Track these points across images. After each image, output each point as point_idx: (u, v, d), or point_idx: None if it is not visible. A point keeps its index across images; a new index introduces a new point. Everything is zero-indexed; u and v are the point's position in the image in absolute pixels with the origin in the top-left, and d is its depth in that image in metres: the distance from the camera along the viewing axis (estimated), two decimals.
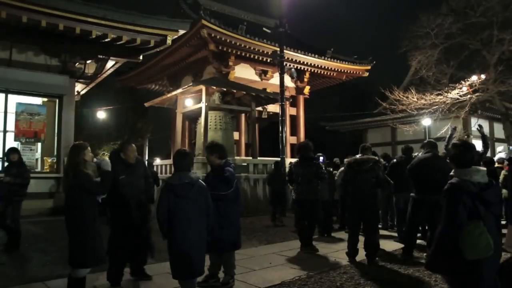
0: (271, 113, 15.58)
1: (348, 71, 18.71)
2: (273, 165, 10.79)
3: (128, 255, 4.33)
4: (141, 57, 10.25)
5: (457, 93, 14.70)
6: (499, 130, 17.94)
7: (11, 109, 9.30)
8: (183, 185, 3.26)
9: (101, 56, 9.73)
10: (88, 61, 9.95)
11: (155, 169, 13.81)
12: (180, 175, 3.32)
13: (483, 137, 6.61)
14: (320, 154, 7.40)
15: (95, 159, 3.87)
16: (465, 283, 2.56)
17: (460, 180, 2.55)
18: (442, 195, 2.62)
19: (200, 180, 3.43)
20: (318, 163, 6.29)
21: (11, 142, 9.34)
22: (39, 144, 9.80)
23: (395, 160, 7.17)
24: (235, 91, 12.76)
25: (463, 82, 14.76)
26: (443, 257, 2.57)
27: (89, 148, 3.65)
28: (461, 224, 2.45)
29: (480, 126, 6.92)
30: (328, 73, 18.28)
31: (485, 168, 2.67)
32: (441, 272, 2.99)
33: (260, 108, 14.69)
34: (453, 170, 2.68)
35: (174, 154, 3.56)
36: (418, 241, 5.84)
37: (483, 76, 14.72)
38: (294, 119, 18.42)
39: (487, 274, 2.50)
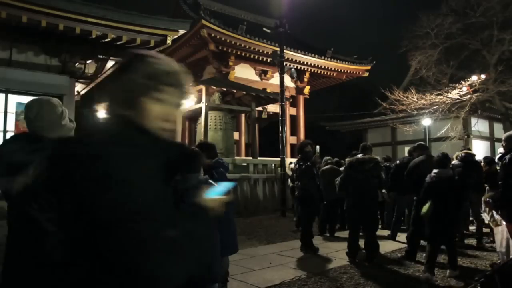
0: (271, 113, 15.57)
1: (348, 71, 18.72)
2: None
3: None
4: None
5: (457, 93, 14.72)
6: (499, 130, 17.92)
7: (11, 109, 9.29)
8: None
9: (101, 56, 9.72)
10: (88, 61, 9.94)
11: None
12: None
13: None
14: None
15: None
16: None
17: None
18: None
19: (210, 181, 3.26)
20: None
21: None
22: None
23: (398, 162, 7.17)
24: (235, 91, 12.76)
25: (463, 82, 14.77)
26: None
27: None
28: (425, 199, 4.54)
29: None
30: (328, 73, 18.28)
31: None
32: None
33: (260, 108, 14.68)
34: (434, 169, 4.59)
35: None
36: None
37: (483, 76, 14.73)
38: (294, 119, 18.43)
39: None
